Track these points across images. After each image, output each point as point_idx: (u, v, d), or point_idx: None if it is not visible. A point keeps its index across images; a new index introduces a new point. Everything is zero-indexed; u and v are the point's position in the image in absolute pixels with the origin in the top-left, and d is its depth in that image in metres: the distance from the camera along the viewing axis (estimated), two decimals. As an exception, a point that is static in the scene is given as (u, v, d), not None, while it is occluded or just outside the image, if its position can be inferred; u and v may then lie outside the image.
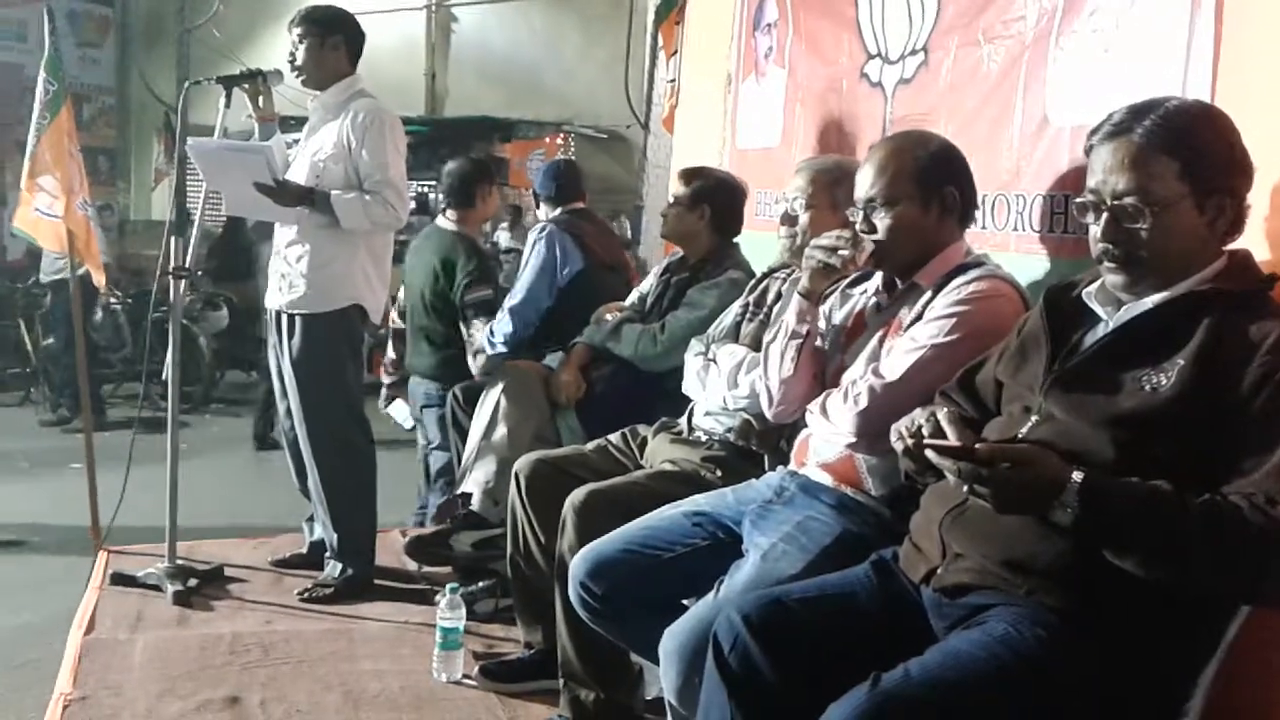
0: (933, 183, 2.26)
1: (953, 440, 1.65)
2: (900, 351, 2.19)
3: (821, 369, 2.43)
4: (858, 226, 2.29)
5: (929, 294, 2.23)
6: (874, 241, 2.27)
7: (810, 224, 2.72)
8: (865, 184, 2.28)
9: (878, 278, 2.40)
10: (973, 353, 2.05)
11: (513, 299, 3.97)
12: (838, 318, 2.46)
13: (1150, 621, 1.60)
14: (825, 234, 2.39)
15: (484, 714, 2.95)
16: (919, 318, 2.22)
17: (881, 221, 2.25)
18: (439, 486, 4.21)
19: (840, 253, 2.32)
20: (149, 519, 3.99)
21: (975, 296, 2.17)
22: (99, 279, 4.60)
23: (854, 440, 2.21)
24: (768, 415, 2.53)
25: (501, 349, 3.92)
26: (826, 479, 2.32)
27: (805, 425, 2.41)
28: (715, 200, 3.40)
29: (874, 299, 2.39)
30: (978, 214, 2.43)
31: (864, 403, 2.17)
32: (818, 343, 2.45)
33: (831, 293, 2.51)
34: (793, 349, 2.40)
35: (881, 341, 2.27)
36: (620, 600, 2.35)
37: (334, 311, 3.69)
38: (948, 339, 2.14)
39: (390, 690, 3.06)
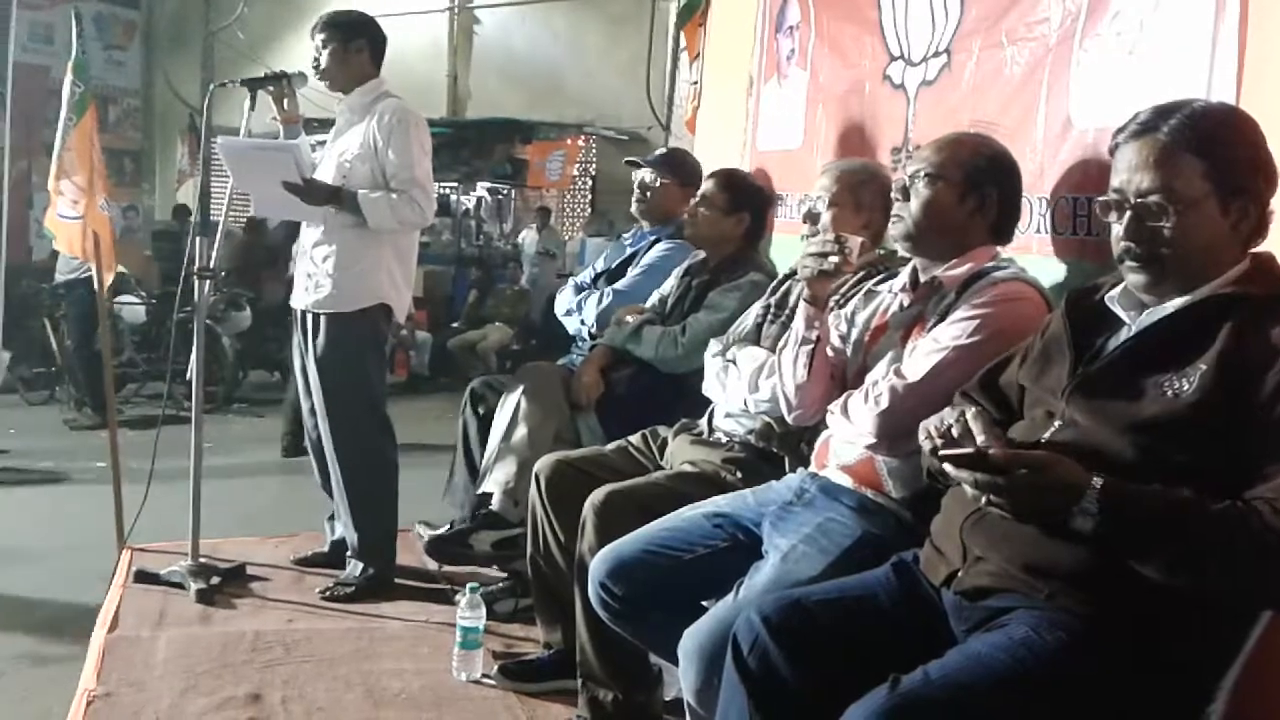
0: (978, 179, 2.29)
1: (979, 440, 1.64)
2: (922, 353, 2.19)
3: (840, 371, 2.44)
4: (893, 194, 2.30)
5: (952, 296, 2.23)
6: (899, 216, 2.28)
7: (833, 223, 2.74)
8: (919, 158, 2.31)
9: (903, 276, 2.40)
10: (995, 355, 2.05)
11: (619, 284, 3.80)
12: (861, 318, 2.46)
13: (1171, 626, 1.59)
14: (812, 240, 2.41)
15: (503, 713, 2.96)
16: (942, 319, 2.21)
17: (917, 194, 2.27)
18: None
19: (830, 258, 2.35)
20: (172, 517, 4.02)
21: (998, 299, 2.17)
22: (108, 278, 4.60)
23: (874, 441, 2.21)
24: (788, 420, 2.54)
25: (591, 327, 3.73)
26: (847, 481, 2.32)
27: (826, 428, 2.41)
28: (755, 208, 3.41)
29: (898, 298, 2.39)
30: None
31: (885, 403, 2.17)
32: (836, 343, 2.46)
33: (855, 293, 2.51)
34: (804, 355, 2.42)
35: (904, 342, 2.27)
36: (640, 601, 2.36)
37: (359, 311, 3.71)
38: (970, 340, 2.14)
39: (410, 689, 3.07)
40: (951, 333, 2.17)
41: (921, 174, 2.28)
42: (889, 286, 2.46)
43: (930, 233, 2.28)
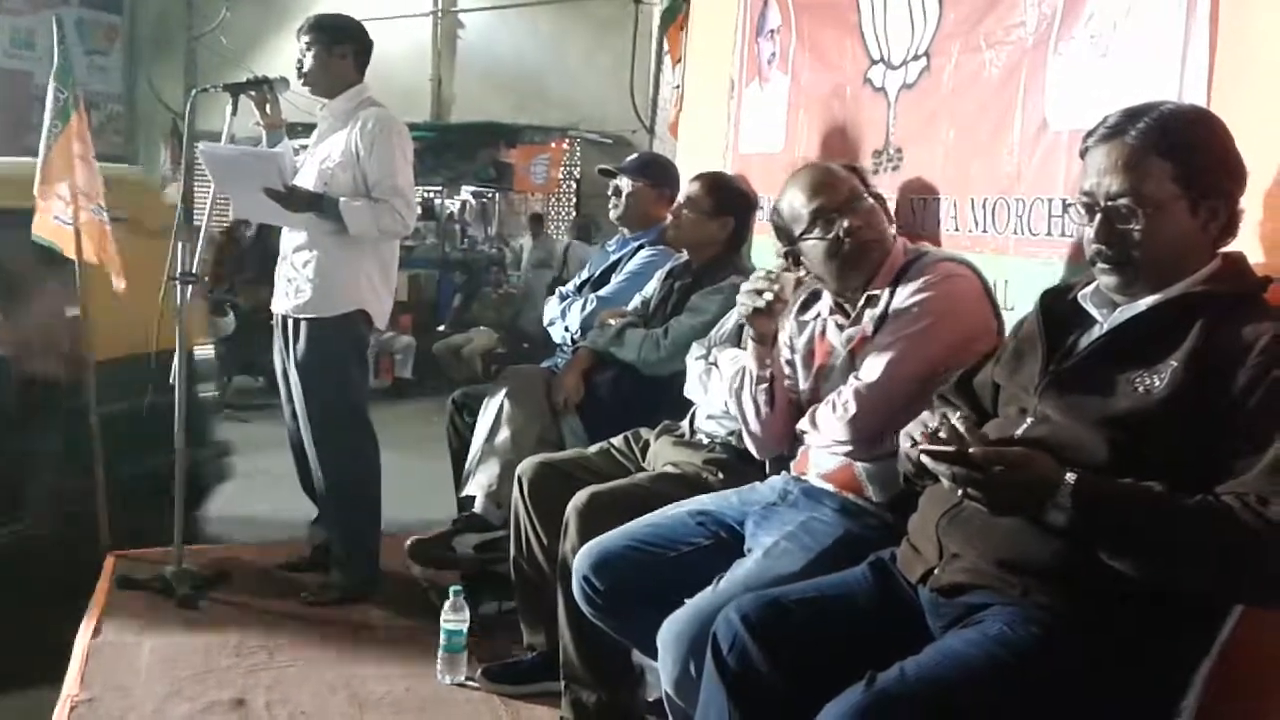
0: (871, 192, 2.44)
1: (967, 443, 1.66)
2: (876, 353, 2.25)
3: (796, 400, 2.48)
4: (842, 227, 2.32)
5: (886, 294, 2.28)
6: (858, 243, 2.31)
7: None
8: (832, 190, 2.38)
9: (827, 299, 2.44)
10: (943, 336, 2.15)
11: (603, 291, 3.80)
12: (800, 345, 2.50)
13: (1145, 620, 1.61)
14: (750, 278, 2.45)
15: (487, 716, 2.97)
16: (884, 317, 2.26)
17: (861, 220, 2.34)
18: None
19: (764, 295, 2.38)
20: (156, 523, 4.01)
21: (931, 283, 2.25)
22: (119, 284, 4.57)
23: (851, 447, 2.24)
24: (756, 456, 2.59)
25: (575, 334, 3.71)
26: (829, 487, 2.34)
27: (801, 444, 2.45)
28: (740, 212, 3.43)
29: (830, 319, 2.43)
30: (952, 218, 2.62)
31: (853, 409, 2.21)
32: (787, 372, 2.50)
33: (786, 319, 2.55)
34: (762, 393, 2.46)
35: (854, 356, 2.32)
36: (622, 596, 2.37)
37: (339, 316, 3.71)
38: (917, 328, 2.21)
39: (394, 692, 3.08)
40: (897, 326, 2.24)
41: (861, 194, 2.38)
42: (815, 311, 2.50)
43: (879, 253, 2.35)
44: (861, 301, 2.33)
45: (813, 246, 2.35)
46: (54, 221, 4.26)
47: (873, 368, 2.21)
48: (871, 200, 2.38)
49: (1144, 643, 1.63)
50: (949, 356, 2.16)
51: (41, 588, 3.75)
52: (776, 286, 2.38)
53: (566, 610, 2.62)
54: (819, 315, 2.48)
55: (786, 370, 2.50)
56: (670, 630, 2.09)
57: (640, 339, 3.39)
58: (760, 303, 2.38)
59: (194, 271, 3.78)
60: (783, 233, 2.43)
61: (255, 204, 3.63)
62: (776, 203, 2.46)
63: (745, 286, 2.44)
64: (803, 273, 2.45)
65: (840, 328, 2.38)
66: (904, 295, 2.24)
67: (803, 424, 2.35)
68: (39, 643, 3.41)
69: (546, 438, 3.44)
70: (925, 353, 2.16)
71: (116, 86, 13.85)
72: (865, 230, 2.32)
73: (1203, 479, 1.57)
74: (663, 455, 2.92)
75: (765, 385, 2.45)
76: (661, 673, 2.13)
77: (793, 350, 2.51)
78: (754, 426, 2.50)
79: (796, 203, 2.37)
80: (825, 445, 2.30)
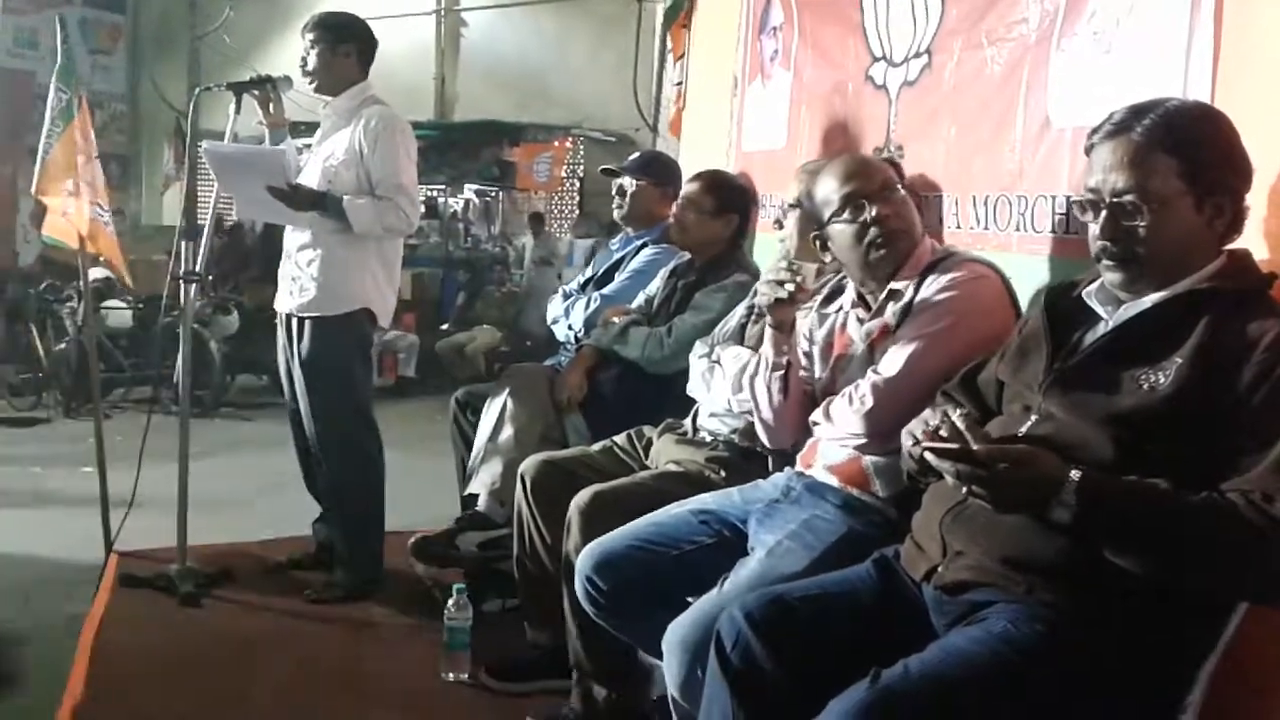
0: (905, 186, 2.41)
1: (969, 441, 1.66)
2: (896, 348, 2.23)
3: (811, 390, 2.47)
4: (871, 214, 2.30)
5: (910, 292, 2.27)
6: (885, 231, 2.29)
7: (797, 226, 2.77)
8: (865, 178, 2.34)
9: (850, 292, 2.43)
10: (965, 336, 2.12)
11: (606, 289, 3.79)
12: (819, 336, 2.50)
13: (1149, 617, 1.61)
14: (769, 268, 2.45)
15: (490, 714, 2.97)
16: (906, 313, 2.26)
17: (891, 210, 2.31)
18: None
19: (785, 286, 2.38)
20: (159, 521, 4.02)
21: (958, 281, 2.23)
22: (126, 278, 4.56)
23: (866, 441, 2.24)
24: (766, 444, 2.57)
25: (579, 332, 3.70)
26: (833, 481, 2.34)
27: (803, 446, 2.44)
28: (742, 209, 3.43)
29: (852, 312, 2.42)
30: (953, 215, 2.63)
31: (870, 402, 2.20)
32: (804, 363, 2.49)
33: (808, 311, 2.55)
34: (777, 381, 2.45)
35: (873, 350, 2.31)
36: (625, 596, 2.37)
37: (343, 315, 3.71)
38: (939, 326, 2.19)
39: (398, 690, 3.08)
40: (920, 323, 2.22)
41: (894, 185, 2.34)
42: (838, 304, 2.50)
43: (911, 241, 2.33)
44: (884, 295, 2.33)
45: (840, 231, 2.34)
46: (62, 220, 4.27)
47: (893, 361, 2.21)
48: (904, 193, 2.37)
49: (1148, 640, 1.62)
50: (970, 355, 2.15)
51: None
52: (799, 277, 2.39)
53: (572, 609, 2.62)
54: (841, 308, 2.47)
55: (803, 361, 2.50)
56: (675, 634, 2.09)
57: (644, 337, 3.38)
58: (782, 293, 2.39)
59: (198, 270, 3.78)
60: (812, 217, 2.42)
61: (259, 203, 3.63)
62: (809, 188, 2.45)
63: (766, 276, 2.45)
64: (828, 259, 2.44)
65: (861, 321, 2.38)
66: (929, 291, 2.24)
67: (816, 415, 2.34)
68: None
69: (550, 436, 3.44)
70: (947, 349, 2.15)
71: (120, 86, 13.85)
72: (894, 220, 2.30)
73: (1207, 476, 1.57)
74: (665, 453, 2.92)
75: (780, 373, 2.44)
76: (667, 676, 2.13)
77: (811, 341, 2.50)
78: (766, 414, 2.49)
79: (829, 188, 2.36)
80: (838, 438, 2.29)
